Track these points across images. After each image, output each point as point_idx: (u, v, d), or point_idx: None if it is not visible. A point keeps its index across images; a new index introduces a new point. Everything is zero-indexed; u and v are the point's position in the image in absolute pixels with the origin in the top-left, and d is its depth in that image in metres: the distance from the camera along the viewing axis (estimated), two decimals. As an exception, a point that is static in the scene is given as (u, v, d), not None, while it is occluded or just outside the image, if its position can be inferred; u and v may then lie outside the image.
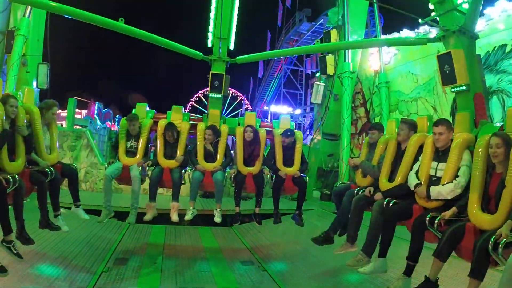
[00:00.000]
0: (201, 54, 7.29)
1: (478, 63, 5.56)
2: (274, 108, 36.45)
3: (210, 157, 6.52)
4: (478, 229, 3.51)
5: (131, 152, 6.41)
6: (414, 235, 4.00)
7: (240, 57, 7.48)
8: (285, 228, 6.70)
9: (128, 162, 6.28)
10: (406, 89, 11.68)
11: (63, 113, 22.16)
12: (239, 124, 7.00)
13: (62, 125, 17.18)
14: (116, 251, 6.95)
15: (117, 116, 27.56)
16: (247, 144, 6.54)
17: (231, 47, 7.49)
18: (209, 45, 7.47)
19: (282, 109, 35.70)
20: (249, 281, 5.85)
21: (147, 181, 6.51)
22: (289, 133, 6.50)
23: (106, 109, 27.30)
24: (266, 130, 6.86)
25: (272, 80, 37.32)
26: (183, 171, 6.50)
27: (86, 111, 26.41)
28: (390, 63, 12.48)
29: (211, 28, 7.41)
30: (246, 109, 40.82)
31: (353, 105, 13.62)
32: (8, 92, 4.87)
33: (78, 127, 17.53)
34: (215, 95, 7.21)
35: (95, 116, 25.52)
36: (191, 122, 6.92)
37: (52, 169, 5.02)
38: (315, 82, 15.08)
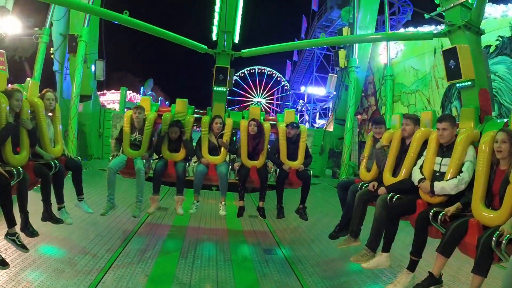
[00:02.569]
0: (206, 47, 7.27)
1: (483, 59, 5.50)
2: (311, 89, 36.75)
3: (214, 150, 6.54)
4: (482, 225, 3.51)
5: (135, 145, 6.42)
6: (418, 230, 3.99)
7: (245, 50, 7.42)
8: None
9: (133, 155, 6.30)
10: (408, 82, 12.77)
11: (110, 95, 32.74)
12: (243, 118, 6.99)
13: (115, 109, 21.18)
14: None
15: (159, 98, 33.03)
16: (251, 138, 6.54)
17: (236, 40, 7.45)
18: (214, 38, 7.44)
19: (319, 90, 35.75)
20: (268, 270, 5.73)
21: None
22: (294, 124, 6.53)
23: (149, 92, 29.65)
24: (271, 123, 6.85)
25: (306, 64, 38.62)
26: (187, 164, 6.51)
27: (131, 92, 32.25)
28: (397, 57, 13.45)
29: (215, 21, 7.38)
30: (286, 92, 43.65)
31: (364, 94, 15.53)
32: (13, 86, 4.88)
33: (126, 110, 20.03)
34: (220, 89, 7.19)
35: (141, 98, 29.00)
36: (196, 115, 6.93)
37: (56, 162, 5.04)
38: (329, 74, 17.92)
